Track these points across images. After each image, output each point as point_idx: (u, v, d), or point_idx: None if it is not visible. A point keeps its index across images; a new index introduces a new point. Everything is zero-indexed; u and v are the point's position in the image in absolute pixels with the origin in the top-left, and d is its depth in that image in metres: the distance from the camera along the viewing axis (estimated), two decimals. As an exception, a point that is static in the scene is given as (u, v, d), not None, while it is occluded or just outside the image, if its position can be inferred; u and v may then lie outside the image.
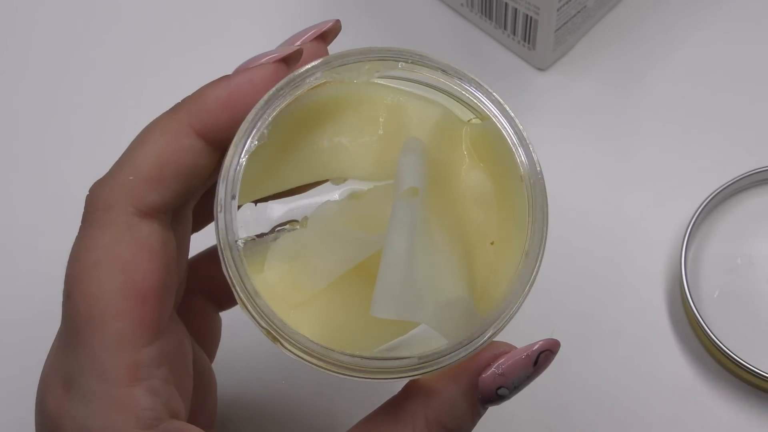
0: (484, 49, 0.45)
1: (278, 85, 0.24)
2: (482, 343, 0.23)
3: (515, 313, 0.23)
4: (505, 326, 0.23)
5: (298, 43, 0.26)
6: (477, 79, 0.25)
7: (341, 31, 0.27)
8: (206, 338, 0.30)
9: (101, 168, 0.25)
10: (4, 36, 0.48)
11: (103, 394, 0.22)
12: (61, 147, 0.44)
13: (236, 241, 0.23)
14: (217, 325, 0.31)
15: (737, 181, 0.38)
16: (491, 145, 0.25)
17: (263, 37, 0.46)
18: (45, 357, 0.25)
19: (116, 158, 0.25)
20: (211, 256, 0.30)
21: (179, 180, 0.24)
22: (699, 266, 0.38)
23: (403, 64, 0.25)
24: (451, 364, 0.23)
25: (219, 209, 0.23)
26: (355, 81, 0.25)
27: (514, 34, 0.43)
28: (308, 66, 0.24)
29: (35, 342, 0.38)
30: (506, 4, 0.42)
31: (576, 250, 0.39)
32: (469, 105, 0.25)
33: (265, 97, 0.24)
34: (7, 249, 0.42)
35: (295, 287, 0.25)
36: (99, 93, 0.46)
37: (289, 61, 0.25)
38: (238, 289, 0.23)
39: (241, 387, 0.37)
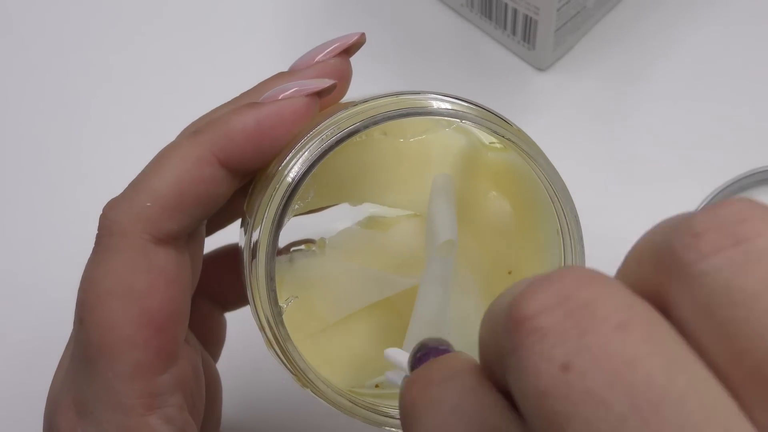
0: (484, 49, 0.45)
1: (324, 148, 0.22)
2: None
3: None
4: None
5: (321, 56, 0.25)
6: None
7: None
8: (211, 340, 0.30)
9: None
10: (9, 37, 0.48)
11: (118, 422, 0.22)
12: (69, 154, 0.44)
13: (279, 311, 0.23)
14: (222, 326, 0.31)
15: (737, 181, 0.38)
16: (513, 176, 0.25)
17: (265, 38, 0.47)
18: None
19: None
20: (216, 258, 0.30)
21: (198, 208, 0.23)
22: (699, 266, 0.38)
23: (458, 123, 0.24)
24: None
25: (250, 271, 0.22)
26: (401, 140, 0.24)
27: (514, 34, 0.43)
28: (361, 125, 0.22)
29: (41, 345, 0.39)
30: (506, 4, 0.42)
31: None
32: (493, 132, 0.24)
33: (309, 159, 0.22)
34: (13, 251, 0.42)
35: (313, 316, 0.24)
36: (112, 99, 0.46)
37: (323, 95, 0.24)
38: (279, 354, 0.23)
39: (241, 386, 0.37)
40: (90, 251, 0.23)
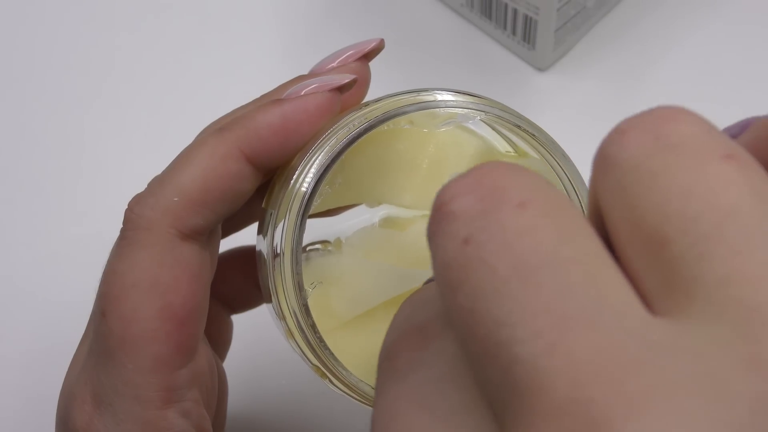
0: (484, 49, 0.45)
1: (352, 136, 0.23)
2: None
3: None
4: None
5: (340, 59, 0.25)
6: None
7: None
8: (218, 340, 0.30)
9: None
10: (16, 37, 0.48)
11: (136, 415, 0.22)
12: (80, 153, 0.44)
13: (305, 294, 0.23)
14: (229, 327, 0.31)
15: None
16: None
17: (266, 38, 0.47)
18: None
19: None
20: (225, 260, 0.30)
21: (224, 204, 0.23)
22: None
23: (482, 115, 0.24)
24: None
25: (280, 263, 0.22)
26: (425, 130, 0.25)
27: (514, 34, 0.43)
28: (387, 116, 0.23)
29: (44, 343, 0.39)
30: (506, 4, 0.42)
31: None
32: (515, 125, 0.25)
33: (336, 148, 0.23)
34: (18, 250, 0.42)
35: (328, 313, 0.24)
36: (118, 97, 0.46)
37: (344, 90, 0.24)
38: (300, 343, 0.23)
39: (241, 386, 0.37)
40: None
